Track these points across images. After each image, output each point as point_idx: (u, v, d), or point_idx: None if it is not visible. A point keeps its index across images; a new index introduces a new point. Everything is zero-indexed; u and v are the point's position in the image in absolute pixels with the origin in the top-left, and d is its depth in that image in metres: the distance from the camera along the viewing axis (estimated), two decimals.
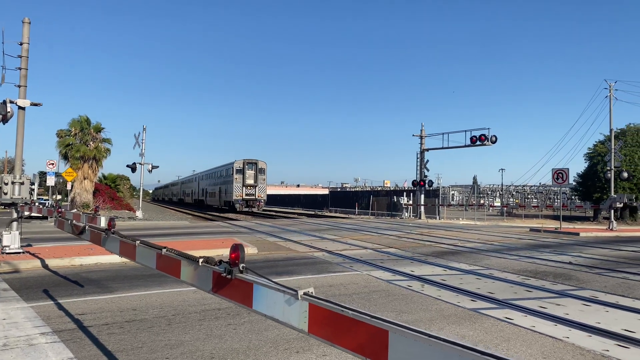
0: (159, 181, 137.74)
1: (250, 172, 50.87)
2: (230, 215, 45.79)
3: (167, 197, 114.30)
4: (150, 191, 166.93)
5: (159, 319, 6.94)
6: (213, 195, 61.86)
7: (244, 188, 50.28)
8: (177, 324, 6.72)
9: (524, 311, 7.63)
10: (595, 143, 50.04)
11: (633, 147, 46.92)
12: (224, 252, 13.90)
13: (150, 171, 33.94)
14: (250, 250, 14.49)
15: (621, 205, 30.33)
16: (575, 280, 10.84)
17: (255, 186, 50.81)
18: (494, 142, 36.28)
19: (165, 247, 3.57)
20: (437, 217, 42.45)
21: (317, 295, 2.20)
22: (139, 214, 33.49)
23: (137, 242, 4.06)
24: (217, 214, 48.83)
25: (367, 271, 11.48)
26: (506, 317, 7.20)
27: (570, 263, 13.69)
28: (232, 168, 51.04)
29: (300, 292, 2.23)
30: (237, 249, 2.68)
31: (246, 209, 49.91)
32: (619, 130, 47.76)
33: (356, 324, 1.97)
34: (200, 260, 3.06)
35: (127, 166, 34.34)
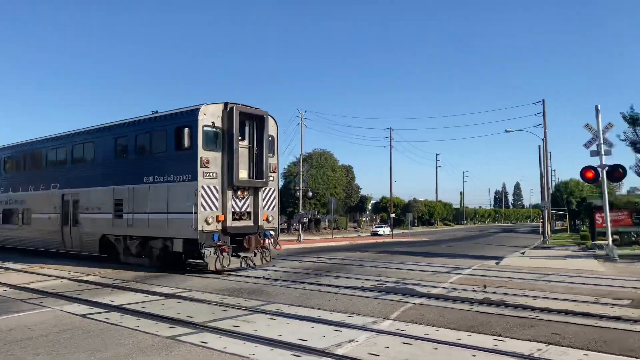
0: None
1: (243, 148, 16.55)
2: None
3: None
4: None
5: None
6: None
7: (230, 196, 16.08)
8: None
9: (219, 333, 8.16)
10: (289, 164, 57.01)
11: (318, 168, 55.16)
12: None
13: None
14: None
15: (307, 220, 35.33)
16: (265, 294, 12.12)
17: (258, 189, 16.99)
18: None
19: None
20: None
21: None
22: None
23: None
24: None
25: (60, 306, 10.50)
26: (202, 342, 7.56)
27: (263, 277, 15.22)
28: (193, 128, 15.41)
29: None
30: None
31: (234, 266, 16.12)
32: (307, 154, 55.51)
33: None
34: None
35: None
